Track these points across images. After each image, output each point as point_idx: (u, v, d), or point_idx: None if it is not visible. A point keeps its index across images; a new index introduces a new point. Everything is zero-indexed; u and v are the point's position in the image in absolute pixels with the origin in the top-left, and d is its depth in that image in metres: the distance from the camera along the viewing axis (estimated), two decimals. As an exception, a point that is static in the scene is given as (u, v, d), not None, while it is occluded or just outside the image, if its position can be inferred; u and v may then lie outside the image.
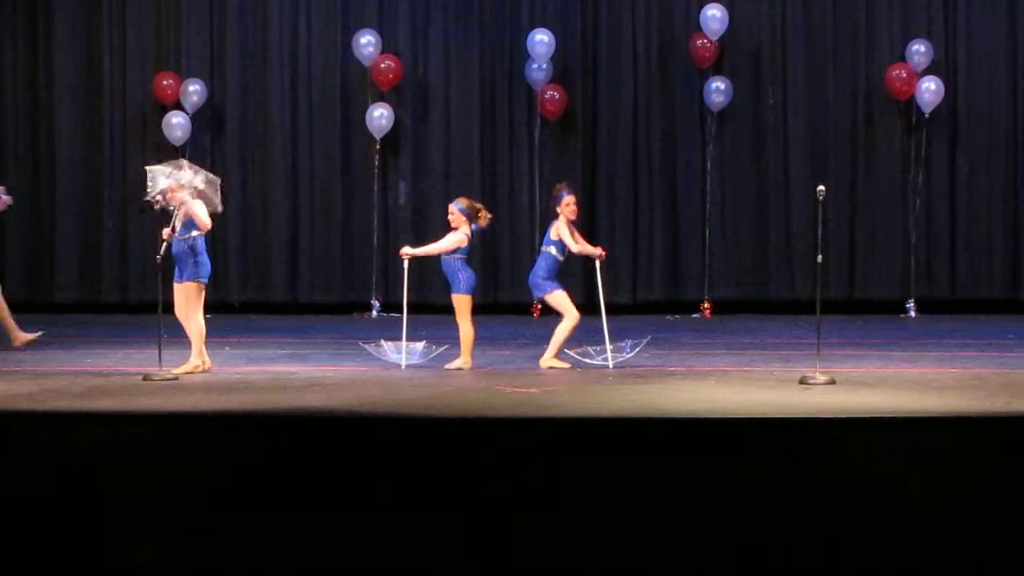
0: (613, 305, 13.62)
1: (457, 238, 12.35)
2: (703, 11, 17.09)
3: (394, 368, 12.50)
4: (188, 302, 12.07)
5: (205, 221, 11.98)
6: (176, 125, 17.27)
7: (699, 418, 10.12)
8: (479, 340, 12.70)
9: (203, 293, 12.16)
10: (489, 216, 12.67)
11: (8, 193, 14.05)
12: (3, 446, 9.35)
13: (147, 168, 12.34)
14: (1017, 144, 17.28)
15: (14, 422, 10.19)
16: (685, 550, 6.17)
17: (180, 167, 12.32)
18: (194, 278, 12.03)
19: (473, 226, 12.39)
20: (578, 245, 12.50)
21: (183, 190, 12.04)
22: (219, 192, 12.34)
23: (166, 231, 11.97)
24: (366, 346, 12.99)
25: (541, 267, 12.48)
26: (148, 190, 12.04)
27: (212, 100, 17.65)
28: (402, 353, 12.64)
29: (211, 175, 12.35)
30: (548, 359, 12.43)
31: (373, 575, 6.09)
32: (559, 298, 12.47)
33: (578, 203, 12.65)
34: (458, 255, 12.33)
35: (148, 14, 17.90)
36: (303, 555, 6.09)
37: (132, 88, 17.84)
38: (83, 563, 5.68)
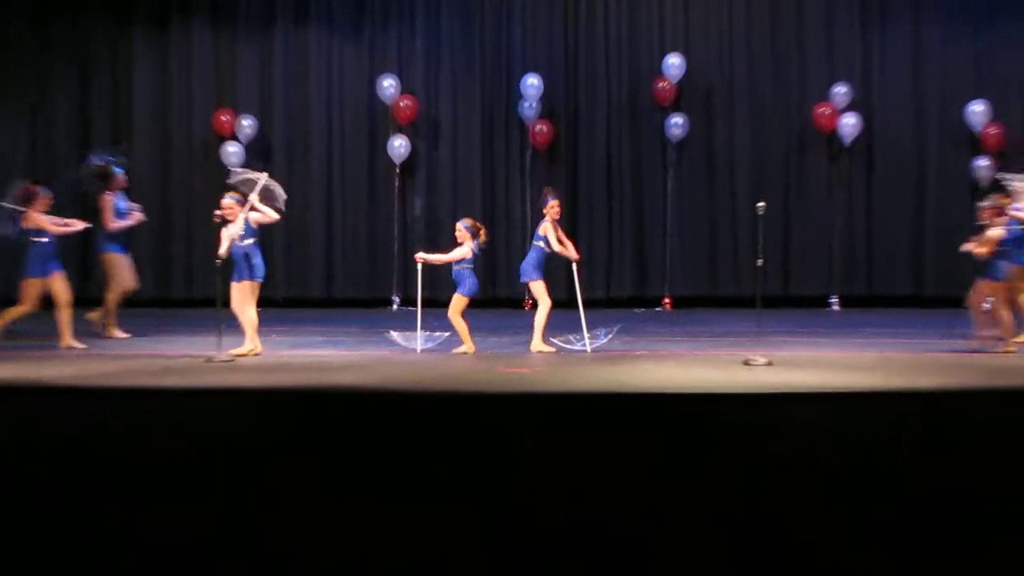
0: (590, 300, 13.63)
1: (463, 251, 12.40)
2: (665, 59, 17.12)
3: (411, 353, 12.50)
4: (243, 298, 12.09)
5: (273, 215, 12.14)
6: (232, 153, 17.27)
7: (660, 393, 10.13)
8: (480, 329, 12.72)
9: (256, 291, 12.18)
10: (486, 237, 12.74)
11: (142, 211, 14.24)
12: (92, 414, 9.35)
13: (233, 172, 12.43)
14: (920, 170, 17.32)
15: (101, 395, 10.20)
16: (650, 504, 6.16)
17: (250, 178, 12.36)
18: (250, 278, 12.07)
19: (475, 242, 12.44)
20: (558, 245, 12.57)
21: (243, 207, 12.09)
22: (279, 196, 12.36)
23: (226, 238, 12.00)
24: (389, 334, 13.00)
25: (532, 258, 12.61)
26: (255, 183, 12.15)
27: (262, 132, 17.66)
28: (417, 340, 12.65)
29: (273, 182, 12.40)
30: (536, 344, 12.44)
31: (389, 514, 6.04)
32: (539, 287, 12.55)
33: (561, 206, 12.74)
34: (465, 265, 12.39)
35: (209, 61, 17.92)
36: (339, 508, 6.09)
37: (196, 122, 17.85)
38: (147, 522, 5.65)
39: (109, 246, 13.81)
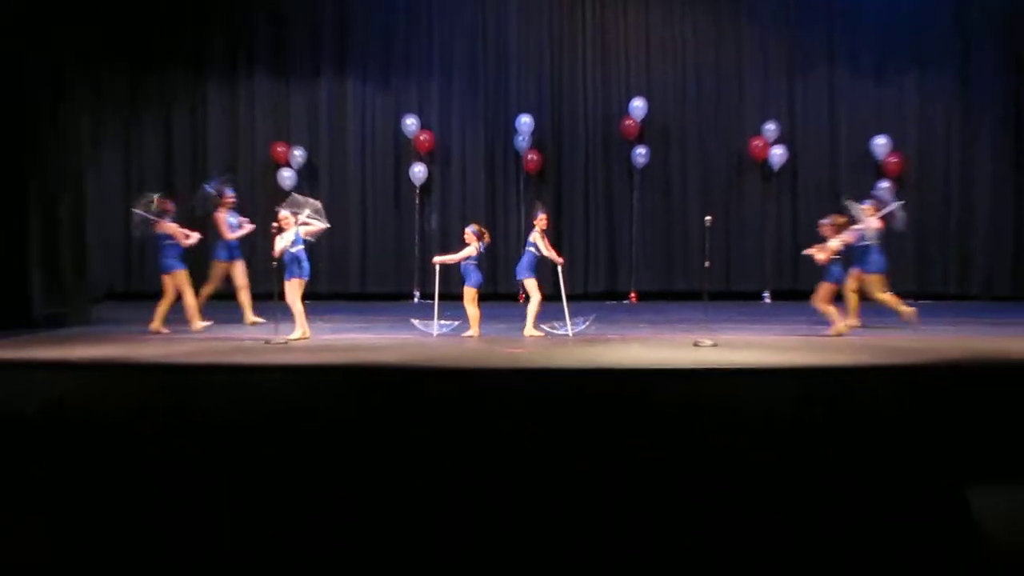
0: (572, 294, 13.65)
1: (469, 251, 12.44)
2: (630, 102, 17.15)
3: (429, 336, 12.53)
4: (293, 293, 12.12)
5: (323, 225, 12.44)
6: (287, 177, 17.29)
7: (627, 368, 10.17)
8: (483, 318, 12.74)
9: (303, 287, 12.22)
10: (489, 239, 12.83)
11: (251, 222, 14.46)
12: (174, 385, 9.37)
13: (283, 207, 12.60)
14: (834, 190, 17.33)
15: (182, 371, 10.23)
16: (617, 453, 6.19)
17: (297, 203, 12.48)
18: (299, 277, 12.10)
19: (480, 243, 12.48)
20: (546, 250, 12.63)
21: (295, 220, 12.20)
22: (323, 214, 12.56)
23: (280, 243, 12.07)
24: (411, 321, 13.03)
25: (524, 261, 12.69)
26: (297, 213, 12.38)
27: (310, 160, 17.67)
28: (434, 326, 12.67)
29: (317, 203, 12.52)
30: (529, 330, 12.47)
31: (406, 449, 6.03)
32: (532, 284, 12.59)
33: (548, 218, 12.84)
34: (471, 261, 12.42)
35: (268, 103, 17.91)
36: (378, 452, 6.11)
37: (258, 151, 17.85)
38: (222, 462, 5.67)
39: (221, 254, 14.03)
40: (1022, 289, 16.73)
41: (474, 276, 12.49)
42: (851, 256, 12.99)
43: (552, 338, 12.45)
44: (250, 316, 13.89)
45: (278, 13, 17.76)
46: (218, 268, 14.08)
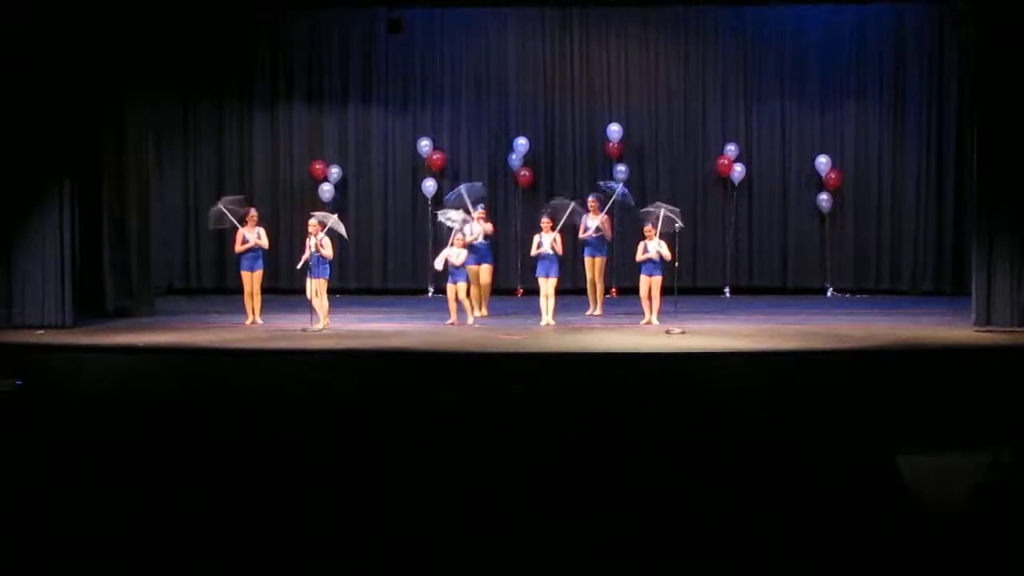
0: (563, 289, 13.62)
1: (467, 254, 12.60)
2: (608, 127, 17.13)
3: (439, 324, 12.54)
4: (318, 290, 12.25)
5: (340, 232, 12.86)
6: (325, 191, 17.22)
7: (609, 352, 10.18)
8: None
9: (326, 285, 12.37)
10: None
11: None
12: (225, 367, 9.37)
13: (313, 214, 12.70)
14: (784, 201, 17.34)
15: (232, 354, 10.23)
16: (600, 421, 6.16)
17: (324, 217, 12.64)
18: (322, 276, 12.24)
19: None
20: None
21: (321, 228, 12.29)
22: (342, 225, 12.68)
23: (309, 248, 12.20)
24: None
25: (555, 262, 12.98)
26: (327, 222, 12.55)
27: (344, 176, 17.59)
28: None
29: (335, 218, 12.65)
30: (549, 319, 12.56)
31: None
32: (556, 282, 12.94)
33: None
34: (469, 263, 12.58)
35: (306, 127, 17.82)
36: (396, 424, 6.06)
37: (297, 169, 17.75)
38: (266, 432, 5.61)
39: (604, 251, 14.76)
40: (944, 285, 16.72)
41: (464, 274, 12.63)
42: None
43: (544, 327, 12.46)
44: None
45: (313, 50, 17.71)
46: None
